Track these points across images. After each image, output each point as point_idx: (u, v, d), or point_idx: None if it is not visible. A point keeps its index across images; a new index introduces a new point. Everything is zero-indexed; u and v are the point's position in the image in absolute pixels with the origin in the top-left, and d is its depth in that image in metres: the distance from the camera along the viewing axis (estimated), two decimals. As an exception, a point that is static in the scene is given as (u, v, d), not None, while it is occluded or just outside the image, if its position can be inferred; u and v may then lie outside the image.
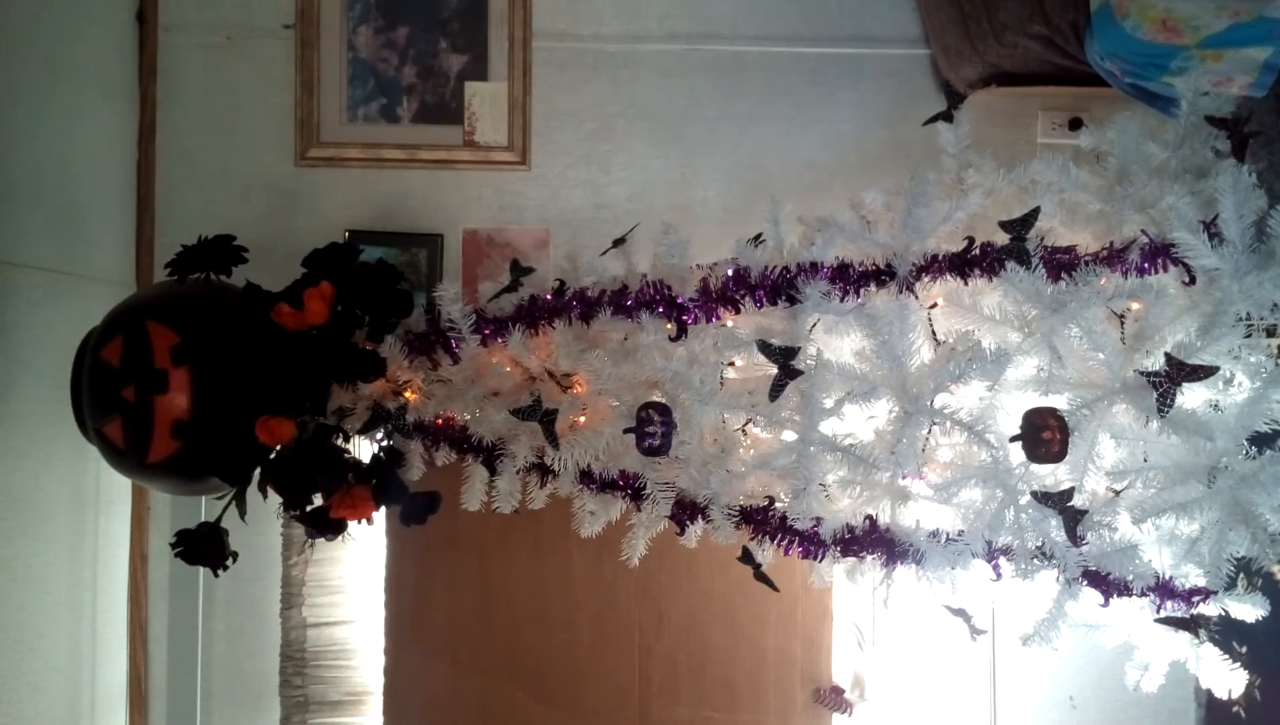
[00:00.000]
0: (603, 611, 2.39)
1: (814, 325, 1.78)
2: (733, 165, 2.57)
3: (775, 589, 1.88)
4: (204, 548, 1.78)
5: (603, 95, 2.56)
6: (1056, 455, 1.55)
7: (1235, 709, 2.31)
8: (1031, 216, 1.65)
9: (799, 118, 2.58)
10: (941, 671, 2.49)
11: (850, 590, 2.39)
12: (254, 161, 2.51)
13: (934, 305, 1.80)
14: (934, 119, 1.92)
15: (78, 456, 2.21)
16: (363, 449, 2.00)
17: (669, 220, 2.01)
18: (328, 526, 1.83)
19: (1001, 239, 1.70)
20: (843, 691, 2.39)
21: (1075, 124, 2.52)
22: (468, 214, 2.53)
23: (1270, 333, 1.69)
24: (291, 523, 2.37)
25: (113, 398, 1.72)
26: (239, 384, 1.74)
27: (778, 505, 1.81)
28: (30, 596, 2.06)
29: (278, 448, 1.74)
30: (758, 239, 1.91)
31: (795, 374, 1.64)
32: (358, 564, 2.45)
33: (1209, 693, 2.27)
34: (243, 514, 1.85)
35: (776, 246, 1.87)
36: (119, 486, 2.38)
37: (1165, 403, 1.49)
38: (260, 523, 2.21)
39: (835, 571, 1.87)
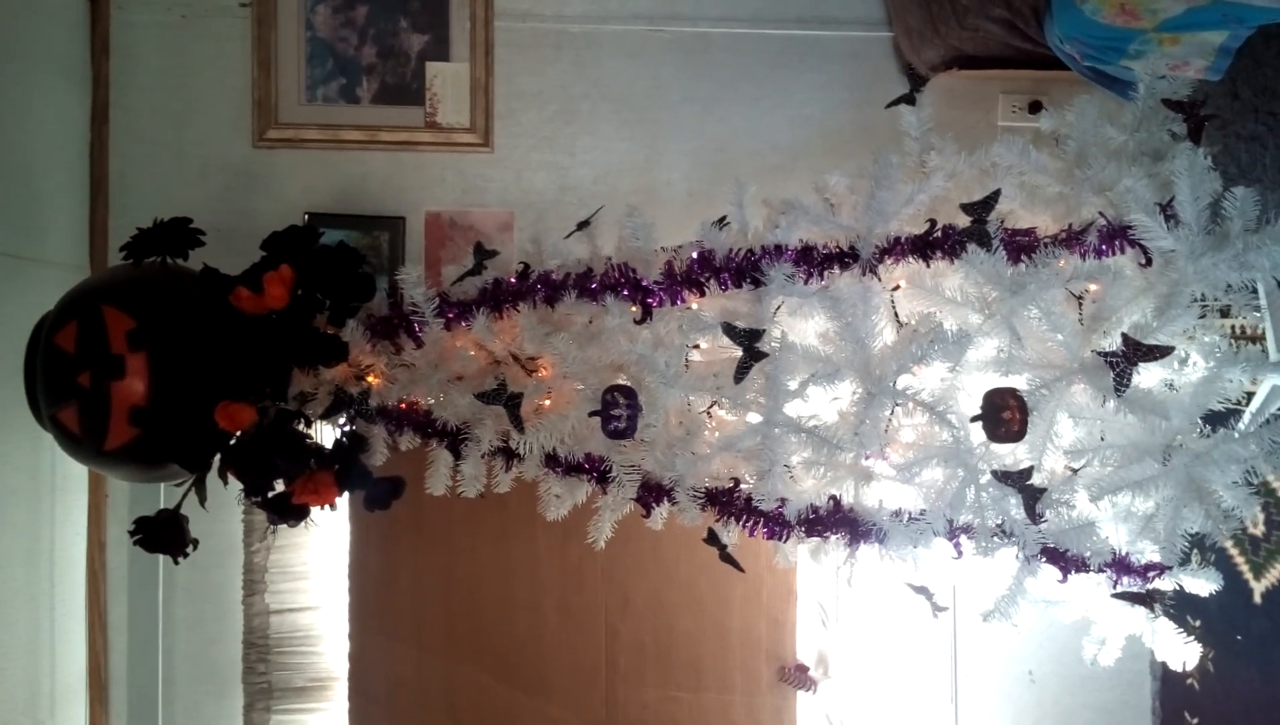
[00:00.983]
0: (569, 595, 2.39)
1: (778, 308, 1.78)
2: (697, 147, 2.57)
3: (741, 570, 1.89)
4: (164, 535, 1.76)
5: (566, 76, 2.54)
6: (1016, 435, 1.57)
7: (1189, 681, 2.37)
8: (992, 199, 1.67)
9: (763, 100, 2.58)
10: (904, 648, 2.52)
11: (814, 570, 2.41)
12: (210, 142, 2.46)
13: (896, 287, 1.81)
14: (896, 102, 1.92)
15: (33, 443, 2.16)
16: (325, 434, 1.98)
17: (634, 203, 2.01)
18: (290, 512, 1.81)
19: (963, 221, 1.71)
20: (807, 669, 2.42)
21: (1035, 107, 2.55)
22: (430, 196, 2.51)
23: (1224, 313, 1.72)
24: (253, 509, 2.34)
25: (68, 384, 1.68)
26: (197, 369, 1.71)
27: (743, 487, 1.82)
28: (-15, 586, 2.03)
29: (238, 433, 1.71)
30: (722, 221, 1.91)
31: (760, 356, 1.65)
32: (321, 550, 2.44)
33: (1164, 666, 2.32)
34: (203, 501, 1.83)
35: (741, 229, 1.87)
36: (76, 474, 2.34)
37: (1122, 382, 1.52)
38: (221, 509, 2.18)
39: (799, 552, 1.89)
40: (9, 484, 2.11)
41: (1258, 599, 2.22)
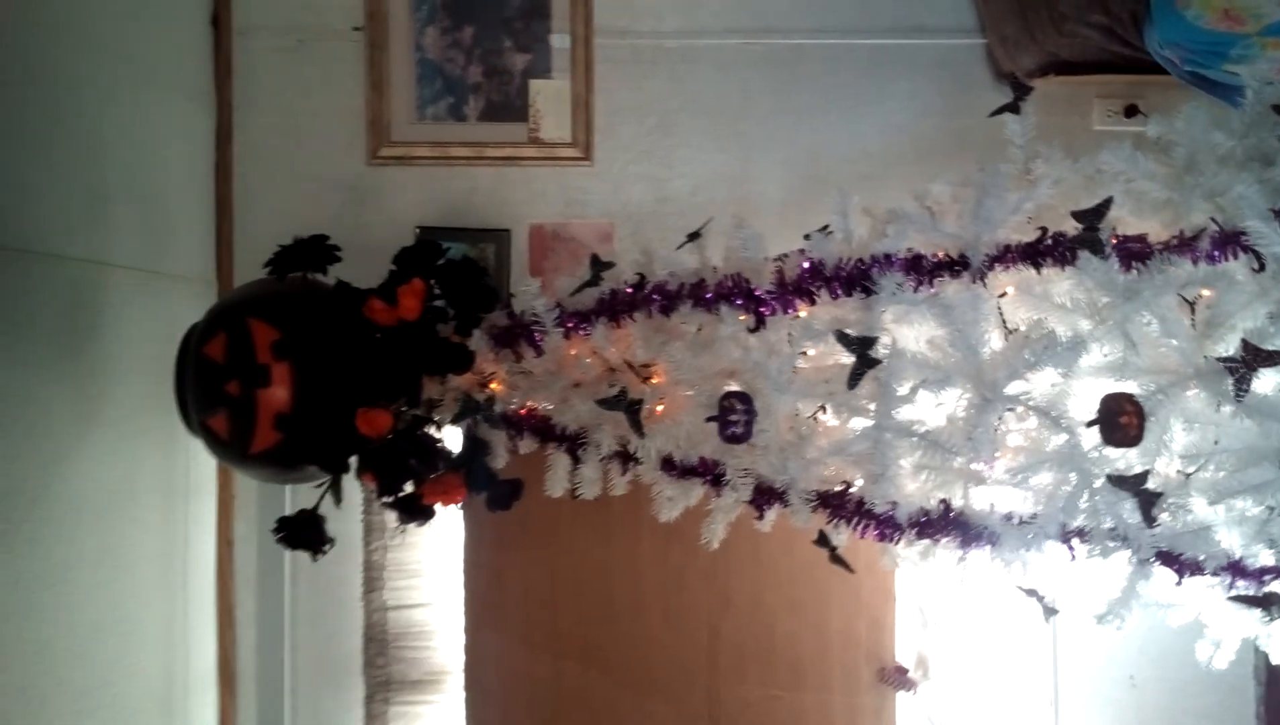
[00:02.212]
0: (671, 595, 2.46)
1: (882, 315, 1.82)
2: (790, 157, 2.62)
3: (851, 570, 1.94)
4: (305, 533, 1.86)
5: (662, 91, 2.61)
6: (1133, 439, 1.60)
7: (1298, 685, 2.35)
8: (1104, 206, 1.70)
9: (854, 109, 2.62)
10: (1003, 651, 2.54)
11: (913, 572, 2.45)
12: (326, 161, 2.58)
13: (1003, 294, 1.85)
14: (1001, 110, 1.95)
15: (167, 447, 2.30)
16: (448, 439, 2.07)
17: (730, 213, 2.06)
18: (418, 512, 1.91)
19: (1066, 227, 1.74)
20: (907, 671, 2.46)
21: (1130, 111, 2.55)
22: (533, 209, 2.60)
23: (1340, 317, 1.72)
24: (373, 510, 2.46)
25: (217, 392, 1.79)
26: (336, 377, 1.81)
27: (853, 490, 1.87)
28: (127, 583, 2.15)
29: (372, 437, 1.81)
30: (825, 230, 1.96)
31: (873, 363, 1.70)
32: (434, 548, 2.54)
33: (1269, 671, 2.31)
34: (338, 501, 1.93)
35: (845, 237, 1.92)
36: (206, 476, 2.48)
37: (1242, 388, 1.54)
38: (340, 511, 2.29)
39: (907, 553, 1.93)
40: (145, 485, 2.24)
41: (1369, 603, 2.20)
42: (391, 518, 2.42)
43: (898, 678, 2.43)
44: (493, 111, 2.58)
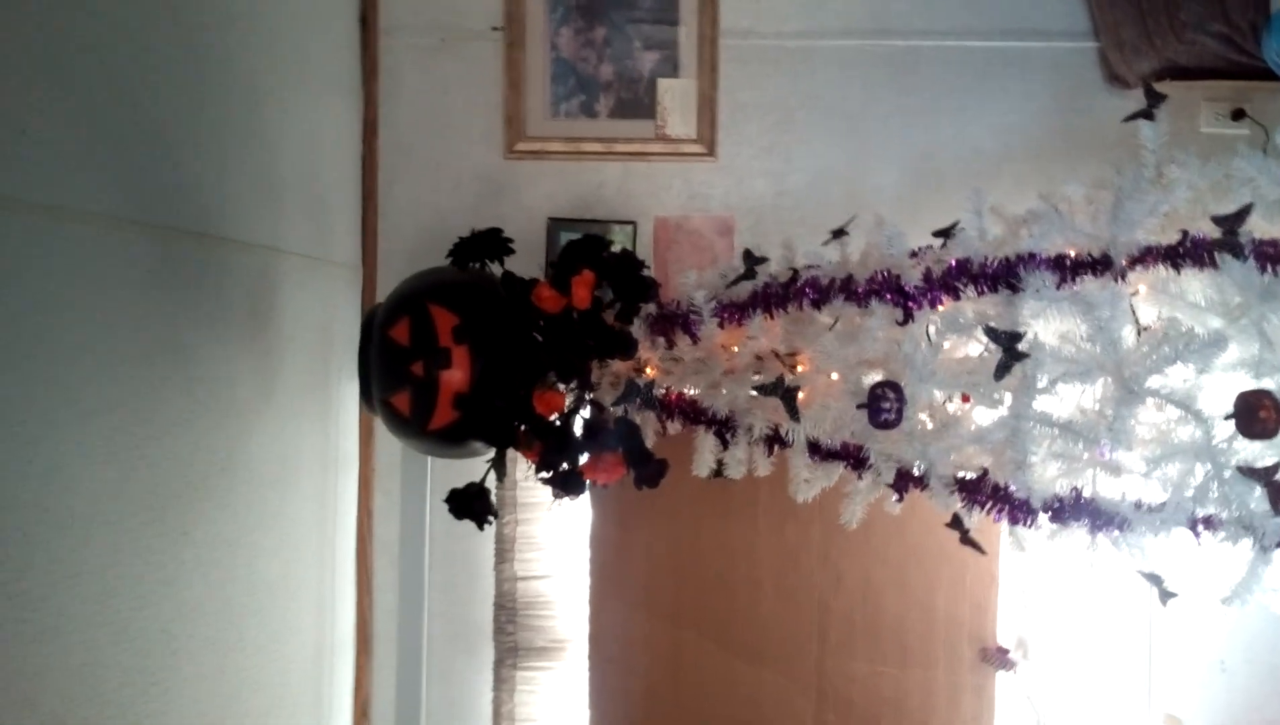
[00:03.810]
0: (785, 572, 2.59)
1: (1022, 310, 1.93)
2: (904, 155, 2.72)
3: (983, 552, 2.05)
4: (474, 505, 2.00)
5: (784, 89, 2.72)
6: (1272, 432, 1.70)
7: (1403, 671, 2.44)
8: (1245, 212, 1.79)
9: (968, 109, 2.71)
10: (1100, 634, 2.65)
11: (1018, 557, 2.56)
12: (465, 155, 2.72)
13: (1135, 292, 1.95)
14: (1134, 116, 2.04)
15: (321, 422, 2.46)
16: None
17: (845, 208, 2.15)
18: (573, 487, 2.04)
19: (1196, 229, 1.85)
20: (1007, 651, 2.57)
21: (1238, 114, 2.63)
22: (659, 202, 2.72)
23: None
24: (506, 486, 2.60)
25: (402, 372, 1.93)
26: (510, 360, 1.95)
27: (989, 476, 1.98)
28: (293, 548, 2.31)
29: (552, 417, 1.94)
30: (954, 228, 2.07)
31: (1021, 357, 1.81)
32: (557, 523, 2.68)
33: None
34: (501, 476, 2.07)
35: (979, 235, 2.03)
36: (349, 450, 2.63)
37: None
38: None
39: (1035, 537, 2.04)
40: (306, 458, 2.40)
41: None
42: (531, 494, 2.58)
43: (999, 658, 2.55)
44: (622, 109, 2.71)
